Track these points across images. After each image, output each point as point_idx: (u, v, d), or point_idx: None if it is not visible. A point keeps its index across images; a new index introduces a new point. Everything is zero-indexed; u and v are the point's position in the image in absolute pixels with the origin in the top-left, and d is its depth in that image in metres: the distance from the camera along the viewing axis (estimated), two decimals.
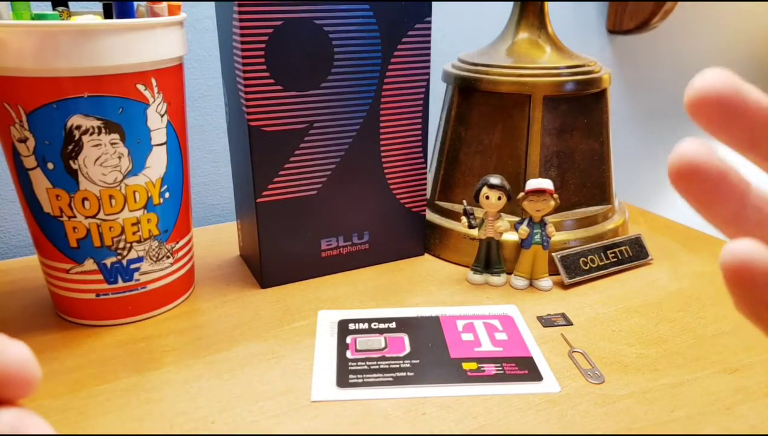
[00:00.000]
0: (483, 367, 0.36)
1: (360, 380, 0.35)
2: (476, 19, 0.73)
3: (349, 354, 0.37)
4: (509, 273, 0.47)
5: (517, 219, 0.46)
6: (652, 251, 0.51)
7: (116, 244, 0.38)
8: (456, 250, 0.50)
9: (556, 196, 0.43)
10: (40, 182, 0.36)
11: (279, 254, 0.45)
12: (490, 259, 0.46)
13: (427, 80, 0.46)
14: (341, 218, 0.47)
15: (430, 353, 0.37)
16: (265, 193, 0.43)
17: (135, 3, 0.38)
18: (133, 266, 0.39)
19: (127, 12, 0.37)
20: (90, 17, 0.38)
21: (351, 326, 0.40)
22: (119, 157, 0.36)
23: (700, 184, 0.17)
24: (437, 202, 0.53)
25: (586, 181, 0.51)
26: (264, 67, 0.40)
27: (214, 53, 0.59)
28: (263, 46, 0.40)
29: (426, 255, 0.51)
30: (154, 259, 0.40)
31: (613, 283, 0.47)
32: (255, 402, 0.33)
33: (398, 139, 0.47)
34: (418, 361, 0.37)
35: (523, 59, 0.49)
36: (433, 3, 0.69)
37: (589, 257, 0.47)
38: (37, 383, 0.15)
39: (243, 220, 0.48)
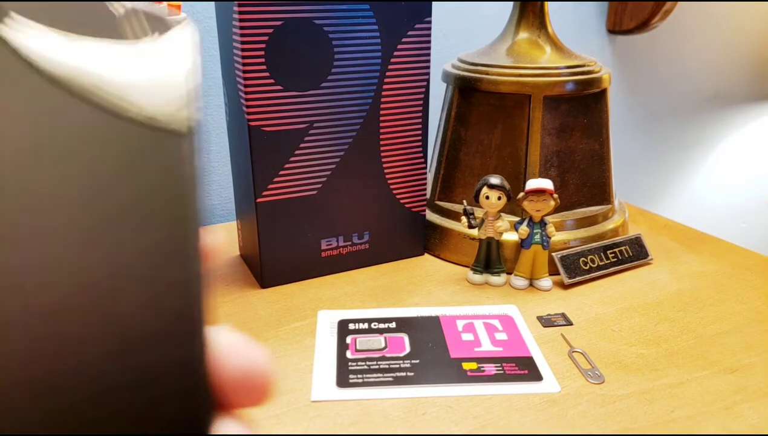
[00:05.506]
0: (483, 367, 0.36)
1: (360, 380, 0.35)
2: (476, 19, 0.73)
3: (349, 354, 0.37)
4: (509, 273, 0.47)
5: (517, 219, 0.46)
6: (652, 251, 0.51)
7: None
8: (456, 250, 0.50)
9: (556, 196, 0.43)
10: None
11: (279, 254, 0.45)
12: (490, 259, 0.46)
13: (427, 80, 0.46)
14: (341, 218, 0.47)
15: (430, 353, 0.37)
16: (265, 193, 0.43)
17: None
18: None
19: None
20: None
21: (351, 326, 0.40)
22: None
23: None
24: (437, 202, 0.53)
25: (586, 181, 0.51)
26: (264, 67, 0.40)
27: (214, 53, 0.59)
28: (263, 46, 0.40)
29: (426, 255, 0.51)
30: None
31: (613, 283, 0.47)
32: None
33: (398, 139, 0.47)
34: (418, 361, 0.37)
35: (523, 59, 0.49)
36: (433, 3, 0.69)
37: (589, 257, 0.47)
38: (272, 392, 0.14)
39: (243, 220, 0.48)
